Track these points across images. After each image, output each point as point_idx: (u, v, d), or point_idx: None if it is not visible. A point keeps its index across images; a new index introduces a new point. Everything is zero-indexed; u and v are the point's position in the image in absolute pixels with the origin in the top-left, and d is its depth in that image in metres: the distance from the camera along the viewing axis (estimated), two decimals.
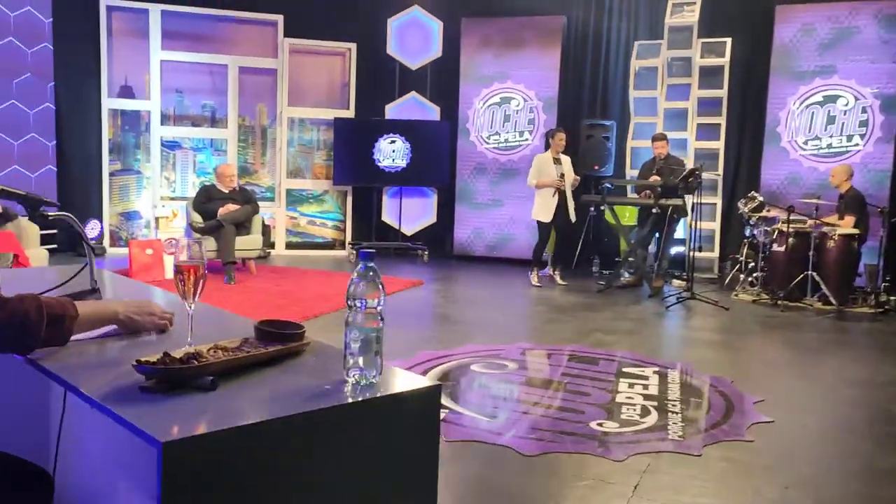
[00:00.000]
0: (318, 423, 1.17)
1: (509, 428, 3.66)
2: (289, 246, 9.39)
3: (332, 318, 5.88)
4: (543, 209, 7.51)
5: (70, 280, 1.78)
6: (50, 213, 1.81)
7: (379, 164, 9.13)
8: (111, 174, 8.84)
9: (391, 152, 9.15)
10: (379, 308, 1.29)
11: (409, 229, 9.45)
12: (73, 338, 1.49)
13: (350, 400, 1.23)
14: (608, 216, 7.76)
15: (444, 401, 4.01)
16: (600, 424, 3.72)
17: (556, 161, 7.51)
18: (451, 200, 9.28)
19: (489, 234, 9.11)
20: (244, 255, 7.49)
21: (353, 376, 1.29)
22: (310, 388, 1.28)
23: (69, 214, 1.86)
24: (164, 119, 8.94)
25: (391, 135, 9.13)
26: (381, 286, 1.29)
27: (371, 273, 1.29)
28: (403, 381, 1.37)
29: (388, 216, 9.45)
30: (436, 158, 9.18)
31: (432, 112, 9.42)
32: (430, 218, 9.51)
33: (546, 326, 6.06)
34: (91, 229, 8.60)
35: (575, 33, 9.10)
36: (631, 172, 8.45)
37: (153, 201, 8.88)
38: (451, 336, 5.58)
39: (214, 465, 1.04)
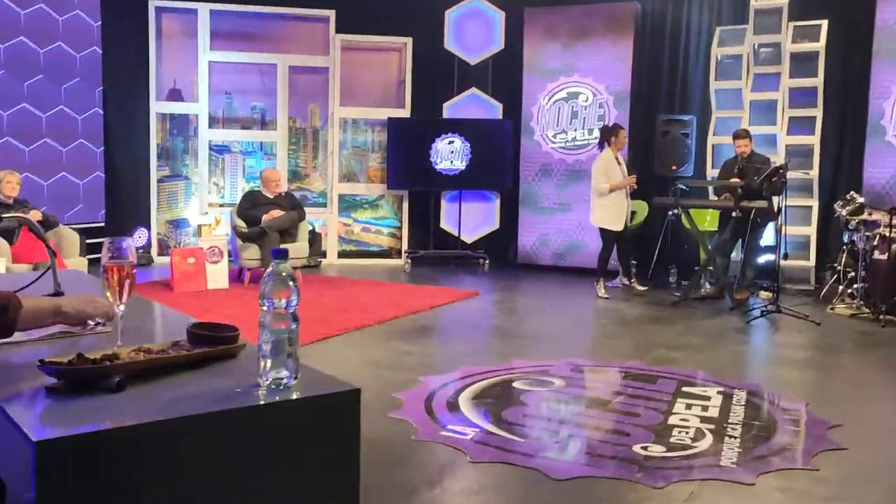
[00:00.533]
0: (217, 425, 1.22)
1: (543, 449, 3.64)
2: (342, 254, 9.57)
3: (371, 331, 5.97)
4: (614, 215, 7.42)
5: (31, 284, 1.89)
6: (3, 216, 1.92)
7: (436, 166, 9.21)
8: (159, 180, 9.22)
9: (449, 153, 9.22)
10: (289, 308, 1.33)
11: (469, 236, 9.50)
12: (19, 337, 1.60)
13: (256, 402, 1.28)
14: (684, 221, 7.61)
15: (476, 419, 4.02)
16: (645, 448, 3.66)
17: (617, 161, 7.44)
18: (514, 205, 9.28)
19: (556, 242, 9.07)
20: (290, 263, 7.66)
21: (266, 379, 1.33)
22: (222, 390, 1.33)
23: (24, 216, 1.98)
24: (213, 122, 9.27)
25: (449, 135, 9.21)
26: (292, 285, 1.33)
27: (283, 272, 1.33)
28: (320, 384, 1.40)
29: (446, 223, 9.53)
30: (497, 160, 9.20)
31: (494, 109, 9.45)
32: (492, 224, 9.53)
33: (605, 341, 5.99)
34: (138, 238, 8.98)
35: (650, 20, 8.98)
36: (712, 173, 8.26)
37: (201, 208, 9.22)
38: (499, 350, 5.59)
39: (94, 466, 1.10)
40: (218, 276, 7.45)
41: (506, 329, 6.31)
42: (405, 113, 9.48)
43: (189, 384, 1.37)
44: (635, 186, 7.51)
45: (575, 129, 8.96)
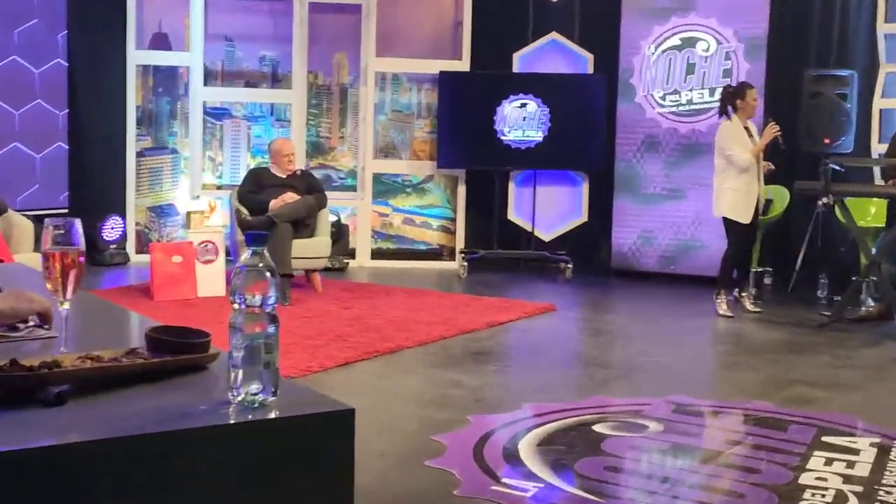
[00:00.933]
0: (175, 448, 1.33)
1: None
2: (376, 255, 9.74)
3: (409, 356, 6.10)
4: (743, 202, 7.37)
5: None
6: None
7: (503, 137, 9.30)
8: (139, 154, 9.51)
9: (521, 120, 9.30)
10: (266, 307, 1.44)
11: (546, 232, 9.57)
12: None
13: (223, 422, 1.39)
14: (838, 213, 7.56)
15: (541, 471, 4.11)
16: None
17: (748, 133, 7.43)
18: (607, 191, 9.31)
19: (664, 240, 9.08)
20: (305, 264, 7.84)
21: (237, 394, 1.44)
22: (184, 407, 1.45)
23: None
24: (209, 78, 9.53)
25: (521, 95, 9.29)
26: (270, 277, 1.44)
27: (259, 262, 1.44)
28: (305, 402, 1.50)
29: (516, 213, 9.61)
30: (586, 129, 9.24)
31: (581, 62, 9.50)
32: (578, 216, 9.59)
33: (723, 374, 6.04)
34: (111, 229, 9.24)
35: None
36: (878, 148, 8.19)
37: (192, 191, 9.47)
38: (578, 383, 5.67)
39: (23, 489, 1.22)
40: (212, 279, 7.65)
41: (589, 356, 6.38)
42: (463, 66, 9.59)
43: (145, 399, 1.49)
44: (779, 134, 7.37)
45: (691, 89, 8.95)
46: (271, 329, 1.45)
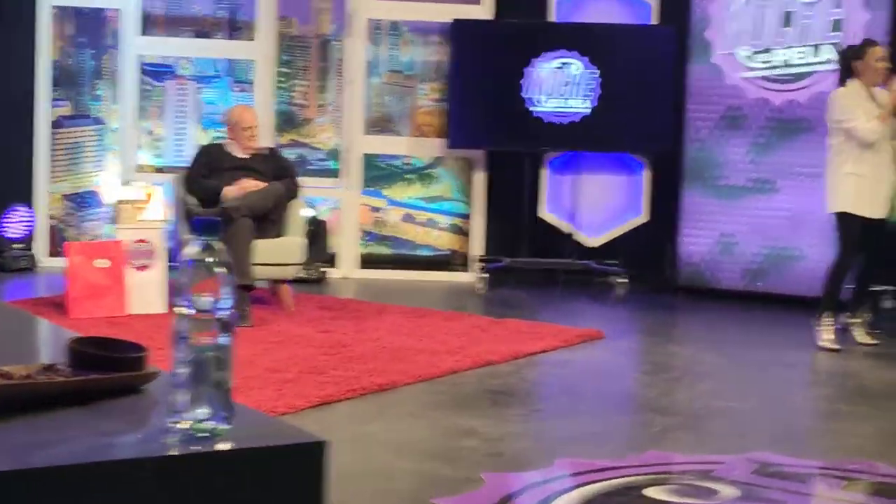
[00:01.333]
0: (101, 485, 1.43)
1: None
2: (367, 262, 9.81)
3: (408, 395, 6.14)
4: (869, 191, 7.28)
5: None
6: None
7: (536, 108, 9.35)
8: (54, 124, 9.59)
9: (561, 86, 9.34)
10: (218, 312, 1.52)
11: (593, 236, 9.62)
12: None
13: (162, 453, 1.48)
14: None
15: None
16: None
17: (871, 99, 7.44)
18: (674, 181, 9.37)
19: (749, 248, 9.09)
20: (271, 273, 7.90)
21: (180, 420, 1.53)
22: (114, 435, 1.53)
23: None
24: (148, 24, 9.61)
25: (562, 52, 9.34)
26: (223, 274, 1.52)
27: (209, 254, 1.52)
28: (266, 432, 1.59)
29: (551, 210, 9.65)
30: (647, 98, 9.29)
31: (643, 8, 9.58)
32: (635, 214, 9.66)
33: (824, 426, 6.06)
34: (15, 223, 9.29)
35: None
36: None
37: (123, 173, 9.52)
38: (630, 434, 5.70)
39: None
40: (147, 291, 7.69)
41: (645, 399, 6.40)
42: (483, 12, 9.68)
43: (66, 425, 1.57)
44: None
45: (788, 46, 8.96)
46: (223, 339, 1.52)
